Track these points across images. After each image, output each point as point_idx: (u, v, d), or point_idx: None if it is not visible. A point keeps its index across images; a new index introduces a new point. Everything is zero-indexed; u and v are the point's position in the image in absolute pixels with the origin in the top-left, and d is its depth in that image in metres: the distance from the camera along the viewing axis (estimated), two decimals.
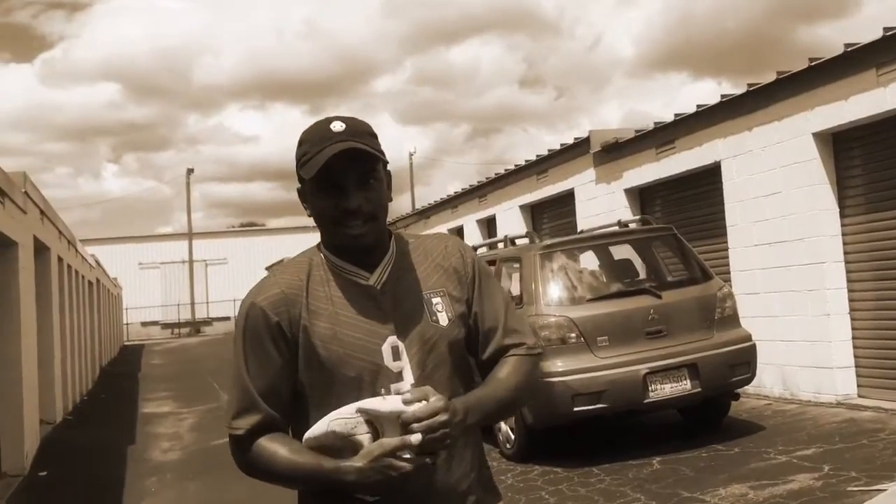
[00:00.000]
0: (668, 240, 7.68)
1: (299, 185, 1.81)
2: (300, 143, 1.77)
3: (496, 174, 15.41)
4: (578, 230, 10.46)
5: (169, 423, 11.96)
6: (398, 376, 1.71)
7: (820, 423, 7.21)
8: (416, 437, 1.56)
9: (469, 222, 16.53)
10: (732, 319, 7.01)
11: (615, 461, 6.49)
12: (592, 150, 11.54)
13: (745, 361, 6.84)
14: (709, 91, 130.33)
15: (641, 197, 11.10)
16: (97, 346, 20.44)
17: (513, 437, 6.98)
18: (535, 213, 14.22)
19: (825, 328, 7.97)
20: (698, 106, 9.56)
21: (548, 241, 7.47)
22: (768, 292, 8.60)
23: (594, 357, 6.50)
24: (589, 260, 8.23)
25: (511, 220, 14.38)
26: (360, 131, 1.75)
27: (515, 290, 7.13)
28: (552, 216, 13.65)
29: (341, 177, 1.70)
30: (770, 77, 8.42)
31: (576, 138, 12.13)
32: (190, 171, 45.79)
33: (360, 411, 1.60)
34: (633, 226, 8.07)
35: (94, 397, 15.94)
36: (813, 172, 8.03)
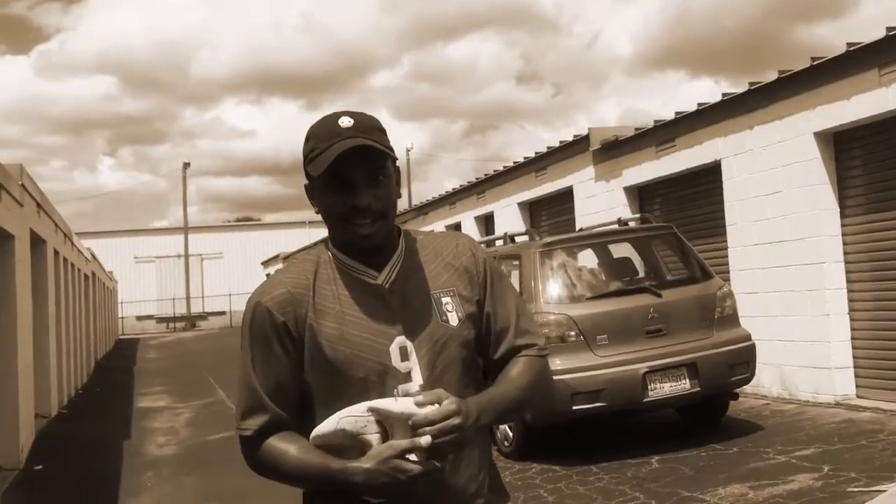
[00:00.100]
0: (668, 238, 7.66)
1: (307, 182, 1.77)
2: (308, 139, 1.74)
3: (495, 171, 15.38)
4: (577, 228, 10.43)
5: (165, 417, 11.93)
6: (406, 377, 1.69)
7: (819, 423, 7.20)
8: (425, 440, 1.53)
9: (467, 219, 16.49)
10: (732, 319, 6.99)
11: (614, 460, 6.47)
12: (592, 148, 11.51)
13: (744, 361, 6.83)
14: (706, 90, 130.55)
15: (641, 195, 11.08)
16: (92, 339, 20.40)
17: (511, 435, 6.96)
18: (534, 210, 14.19)
19: (824, 328, 7.96)
20: (699, 104, 9.53)
21: (548, 239, 7.44)
22: (767, 292, 8.59)
23: (593, 356, 6.48)
24: (588, 258, 8.21)
25: (509, 217, 14.34)
26: (369, 127, 1.71)
27: (514, 287, 7.10)
28: (551, 214, 13.62)
29: (350, 174, 1.67)
30: (769, 76, 8.41)
31: (575, 136, 12.10)
32: (186, 165, 45.77)
33: (372, 410, 1.58)
34: (632, 224, 8.05)
35: (90, 391, 15.90)
36: (814, 172, 8.02)
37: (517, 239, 8.02)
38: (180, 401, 13.56)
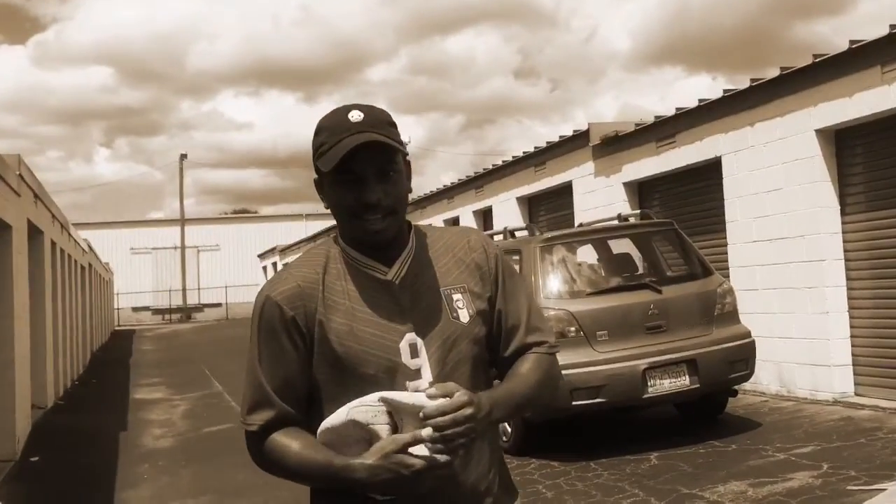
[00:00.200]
0: (669, 234, 7.64)
1: (316, 177, 1.75)
2: (317, 133, 1.71)
3: (493, 165, 15.35)
4: (577, 223, 10.41)
5: (161, 409, 11.90)
6: (416, 374, 1.66)
7: (817, 420, 7.20)
8: (426, 431, 1.51)
9: (465, 213, 16.47)
10: (732, 316, 6.98)
11: (612, 456, 6.46)
12: (592, 143, 11.49)
13: (743, 358, 6.83)
14: (703, 86, 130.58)
15: (640, 191, 11.06)
16: (89, 331, 20.36)
17: (510, 430, 6.95)
18: (532, 205, 14.17)
19: (823, 326, 7.96)
20: (700, 100, 9.52)
21: (548, 234, 7.42)
22: (767, 289, 8.59)
23: (593, 351, 6.47)
24: (588, 254, 8.19)
25: (508, 211, 14.32)
26: (380, 121, 1.69)
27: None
28: (549, 209, 13.60)
29: (360, 169, 1.65)
30: (767, 73, 8.42)
31: (575, 131, 12.08)
32: (183, 156, 45.61)
33: (383, 400, 1.56)
34: (632, 220, 8.03)
35: (85, 383, 15.87)
36: (814, 169, 8.00)
37: (517, 234, 8.00)
38: (177, 393, 13.54)
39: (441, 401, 1.53)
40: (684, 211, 10.08)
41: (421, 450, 1.52)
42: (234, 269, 44.12)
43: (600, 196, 11.42)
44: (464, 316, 1.72)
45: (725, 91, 9.11)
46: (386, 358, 1.66)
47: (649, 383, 6.47)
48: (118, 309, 40.20)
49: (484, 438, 1.71)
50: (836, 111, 7.68)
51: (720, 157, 9.22)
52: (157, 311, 43.78)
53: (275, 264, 38.24)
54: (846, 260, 7.94)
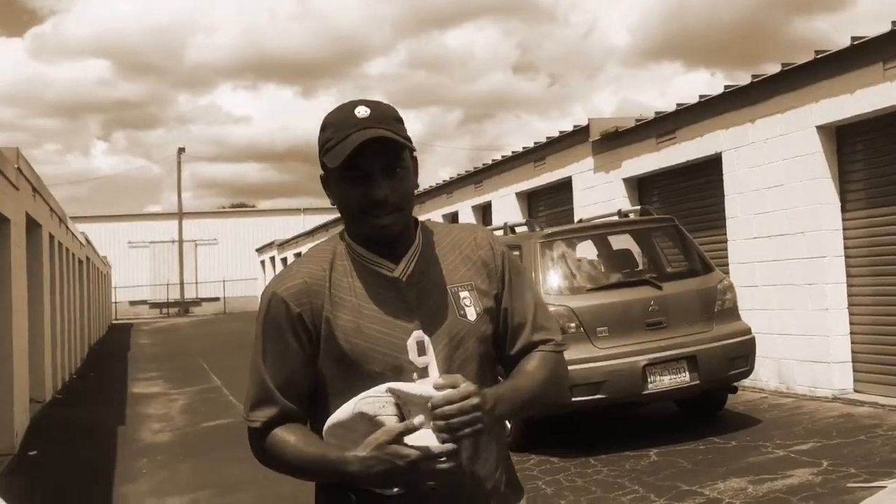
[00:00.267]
0: (669, 230, 7.63)
1: (322, 173, 1.74)
2: (323, 129, 1.70)
3: (493, 160, 15.32)
4: (577, 219, 10.40)
5: (159, 403, 11.89)
6: (423, 372, 1.65)
7: (816, 417, 7.19)
8: (418, 419, 1.50)
9: (464, 208, 16.45)
10: (732, 312, 6.98)
11: (612, 452, 6.46)
12: (592, 139, 11.46)
13: (743, 355, 6.83)
14: (702, 82, 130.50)
15: (640, 187, 11.05)
16: (86, 324, 20.34)
17: (509, 426, 6.92)
18: (532, 200, 14.15)
19: (823, 322, 7.96)
20: (701, 96, 9.50)
21: (549, 230, 7.41)
22: (767, 285, 8.58)
23: (593, 347, 6.46)
24: (587, 249, 8.18)
25: (507, 207, 14.31)
26: (386, 117, 1.68)
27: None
28: (549, 204, 13.59)
29: (367, 165, 1.64)
30: (766, 69, 8.46)
31: (575, 126, 12.05)
32: (181, 150, 45.52)
33: (391, 391, 1.55)
34: (632, 216, 8.02)
35: (83, 376, 15.86)
36: (815, 166, 7.99)
37: (517, 229, 7.98)
38: (175, 387, 13.52)
39: (448, 391, 1.52)
40: (684, 207, 10.06)
41: (419, 440, 1.50)
42: (232, 263, 44.09)
43: (600, 192, 11.41)
44: (471, 314, 1.72)
45: (726, 87, 9.09)
46: (393, 355, 1.65)
47: (649, 380, 6.46)
48: (116, 302, 40.16)
49: (491, 436, 1.70)
50: (837, 108, 7.67)
51: (721, 153, 9.20)
52: (154, 305, 43.74)
53: (272, 259, 38.20)
54: (846, 257, 7.93)
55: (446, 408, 1.50)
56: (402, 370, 1.64)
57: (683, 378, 6.54)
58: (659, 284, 6.81)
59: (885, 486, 4.96)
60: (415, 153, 1.75)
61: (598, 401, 6.42)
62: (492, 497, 1.72)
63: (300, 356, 1.67)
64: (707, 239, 9.38)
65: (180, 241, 43.45)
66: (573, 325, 6.48)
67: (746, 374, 6.97)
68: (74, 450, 8.58)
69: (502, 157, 14.80)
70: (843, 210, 7.96)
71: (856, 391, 7.82)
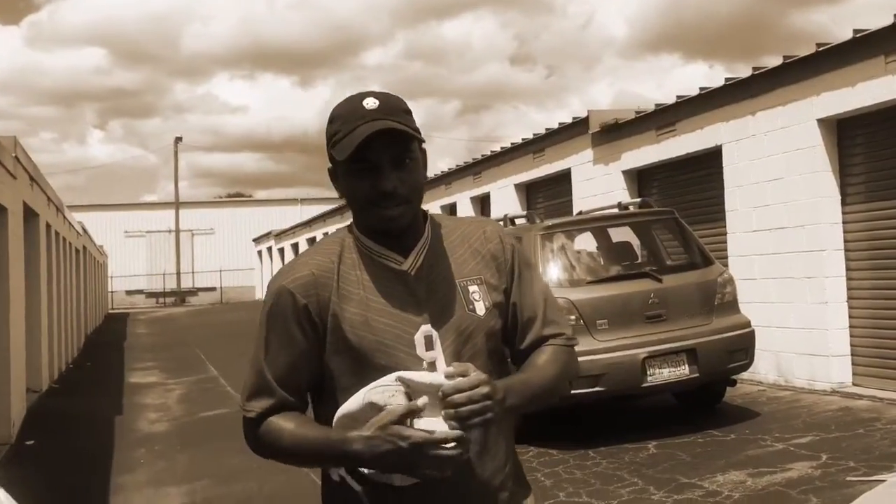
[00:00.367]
0: (669, 223, 7.62)
1: (330, 165, 1.72)
2: (331, 121, 1.68)
3: (492, 151, 15.29)
4: (576, 211, 10.38)
5: (156, 393, 11.87)
6: (431, 366, 1.64)
7: (815, 411, 7.20)
8: (422, 400, 1.49)
9: (463, 199, 16.43)
10: (732, 305, 6.97)
11: (611, 444, 6.46)
12: (591, 131, 11.44)
13: (743, 348, 6.82)
14: (700, 74, 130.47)
15: (639, 179, 11.03)
16: (83, 314, 20.31)
17: None
18: (531, 192, 14.13)
19: (822, 316, 7.96)
20: (701, 88, 9.47)
21: (549, 222, 7.38)
22: (766, 278, 8.58)
23: (593, 340, 6.45)
24: (587, 242, 8.16)
25: (506, 198, 14.28)
26: (395, 108, 1.66)
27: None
28: (548, 196, 13.57)
29: (376, 157, 1.62)
30: (764, 61, 8.44)
31: (574, 118, 12.03)
32: (178, 139, 45.39)
33: (401, 380, 1.54)
34: (632, 208, 8.00)
35: (80, 366, 15.84)
36: (816, 159, 7.98)
37: (517, 221, 7.96)
38: (172, 377, 13.50)
39: (458, 379, 1.52)
40: (684, 199, 10.05)
41: (427, 425, 1.50)
42: (229, 253, 44.04)
43: (599, 184, 11.39)
44: (480, 308, 1.70)
45: (727, 79, 9.07)
46: (400, 349, 1.64)
47: (648, 372, 6.46)
48: (112, 292, 40.10)
49: (500, 430, 1.69)
50: (838, 101, 7.65)
51: (721, 145, 9.18)
52: (150, 295, 43.71)
53: (270, 249, 38.16)
54: (846, 250, 7.93)
55: (456, 396, 1.49)
56: (409, 364, 1.62)
57: (683, 371, 6.53)
58: (659, 277, 6.81)
59: (884, 480, 4.95)
60: (424, 145, 1.72)
61: (598, 393, 6.41)
62: (500, 492, 1.70)
63: (303, 348, 1.66)
64: (707, 232, 9.37)
65: (177, 231, 43.37)
66: (573, 317, 6.46)
67: (746, 367, 6.97)
68: (72, 440, 8.57)
69: (501, 148, 14.77)
70: (843, 203, 7.95)
71: (854, 385, 7.83)
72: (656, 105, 10.33)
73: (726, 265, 8.59)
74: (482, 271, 1.73)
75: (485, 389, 1.51)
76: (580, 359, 6.54)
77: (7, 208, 8.49)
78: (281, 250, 35.64)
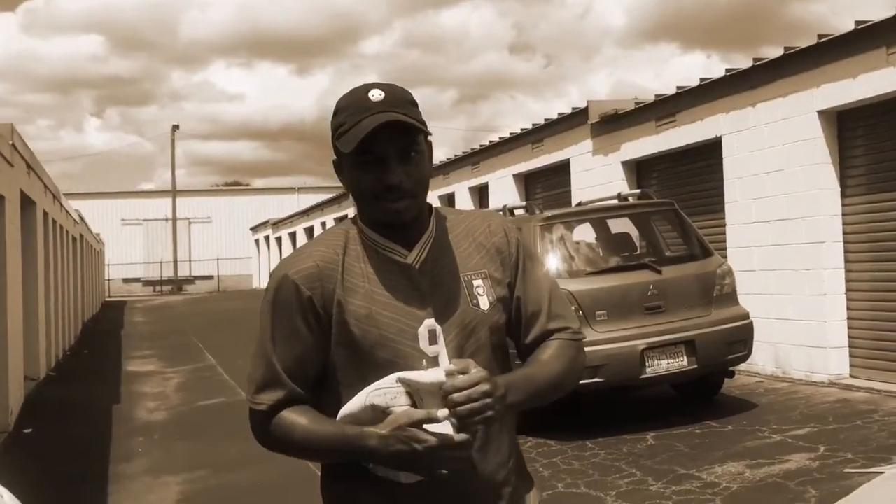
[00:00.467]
0: (668, 214, 7.61)
1: (335, 157, 1.70)
2: (336, 113, 1.66)
3: (490, 141, 15.26)
4: (575, 202, 10.36)
5: (154, 382, 11.87)
6: (434, 361, 1.63)
7: (813, 402, 7.21)
8: (443, 412, 1.48)
9: (461, 189, 16.40)
10: (731, 297, 6.97)
11: (609, 435, 6.47)
12: (590, 121, 11.41)
13: (742, 339, 6.83)
14: (698, 64, 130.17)
15: (638, 170, 11.02)
16: (80, 302, 20.28)
17: None
18: (529, 182, 14.11)
19: (821, 307, 7.96)
20: (701, 79, 9.45)
21: (548, 213, 7.37)
22: (765, 270, 8.58)
23: (592, 331, 6.44)
24: (586, 232, 8.15)
25: (504, 188, 14.26)
26: (401, 100, 1.64)
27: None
28: (546, 186, 13.55)
29: (381, 150, 1.60)
30: (762, 52, 8.49)
31: (574, 108, 12.00)
32: (175, 127, 45.26)
33: (401, 381, 1.53)
34: (632, 199, 7.99)
35: (77, 353, 15.83)
36: (816, 151, 7.97)
37: (516, 212, 7.94)
38: (169, 365, 13.49)
39: (458, 377, 1.50)
40: (683, 191, 10.04)
41: (436, 427, 1.49)
42: (226, 241, 44.00)
43: (598, 174, 11.37)
44: (483, 303, 1.69)
45: (727, 70, 9.04)
46: (404, 343, 1.62)
47: (647, 363, 6.46)
48: (109, 280, 40.06)
49: (503, 425, 1.68)
50: (839, 92, 7.63)
51: (721, 136, 9.17)
52: (147, 283, 43.67)
53: (267, 238, 38.12)
54: (845, 242, 7.93)
55: (455, 395, 1.48)
56: (412, 358, 1.62)
57: (682, 362, 6.54)
58: (658, 268, 6.80)
59: (882, 472, 4.97)
60: (430, 137, 1.71)
61: (597, 384, 6.41)
62: (504, 487, 1.70)
63: (309, 340, 1.65)
64: (706, 223, 9.36)
65: (174, 219, 43.29)
66: (572, 308, 6.44)
67: (744, 359, 6.98)
68: (69, 428, 8.57)
69: (500, 138, 14.74)
70: (843, 195, 7.95)
71: (852, 376, 7.84)
72: (656, 95, 10.31)
73: (725, 257, 8.60)
74: (486, 265, 1.72)
75: (485, 387, 1.50)
76: None
77: (4, 196, 8.46)
78: (278, 239, 35.60)
